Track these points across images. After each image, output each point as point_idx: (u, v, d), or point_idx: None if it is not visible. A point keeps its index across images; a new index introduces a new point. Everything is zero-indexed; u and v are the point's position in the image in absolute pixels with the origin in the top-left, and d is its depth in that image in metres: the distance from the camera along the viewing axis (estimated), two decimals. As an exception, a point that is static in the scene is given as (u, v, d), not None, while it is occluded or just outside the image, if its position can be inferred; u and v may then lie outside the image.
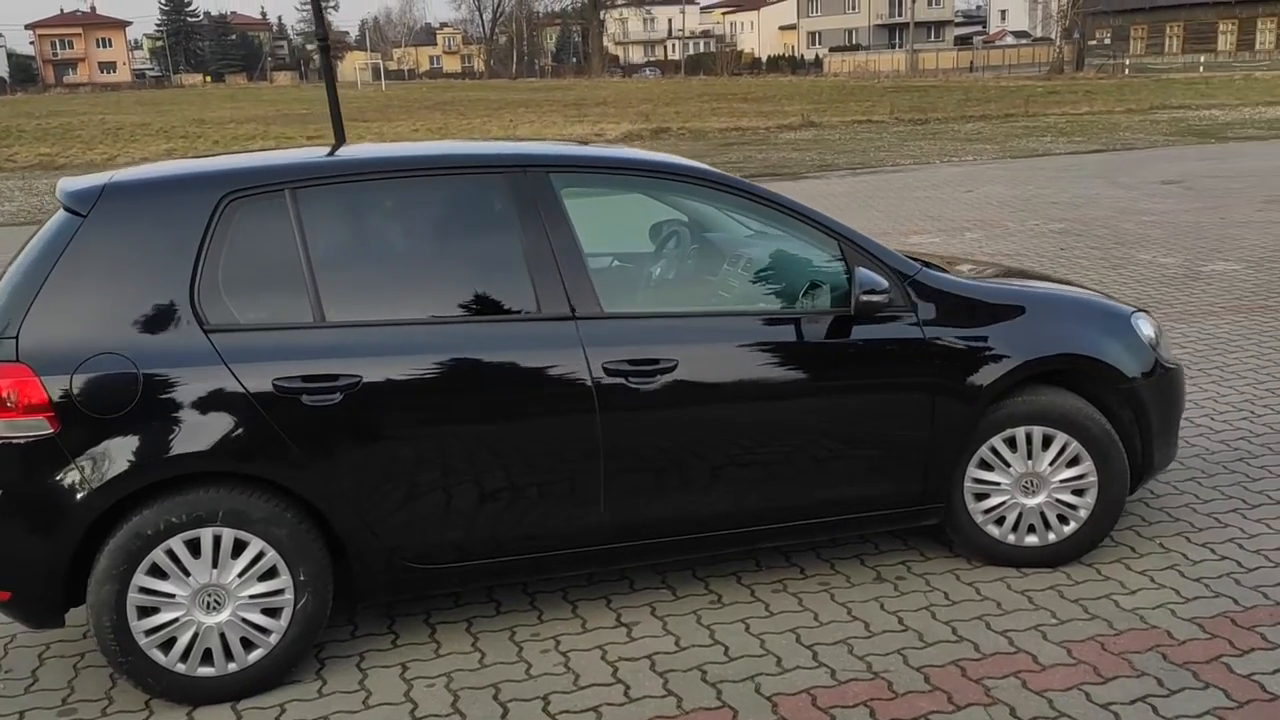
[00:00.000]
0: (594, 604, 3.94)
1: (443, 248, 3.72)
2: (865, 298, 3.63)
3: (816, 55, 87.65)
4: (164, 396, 3.22)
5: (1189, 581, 3.92)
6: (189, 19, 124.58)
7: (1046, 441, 3.95)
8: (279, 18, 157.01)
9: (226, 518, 3.27)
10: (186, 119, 40.91)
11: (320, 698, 3.42)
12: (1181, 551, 4.15)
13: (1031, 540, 4.03)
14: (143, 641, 3.27)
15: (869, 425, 3.81)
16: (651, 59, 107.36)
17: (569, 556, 3.67)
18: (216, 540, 3.28)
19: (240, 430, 3.26)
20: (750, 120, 31.60)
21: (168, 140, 30.04)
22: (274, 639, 3.39)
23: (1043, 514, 4.01)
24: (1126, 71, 58.73)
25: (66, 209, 3.39)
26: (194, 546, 3.26)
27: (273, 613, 3.38)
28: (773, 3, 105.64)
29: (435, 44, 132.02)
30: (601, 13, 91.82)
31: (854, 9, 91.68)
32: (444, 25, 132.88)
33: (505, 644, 3.70)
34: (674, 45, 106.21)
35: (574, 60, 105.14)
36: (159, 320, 3.27)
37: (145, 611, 3.26)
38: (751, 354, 3.71)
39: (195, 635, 3.31)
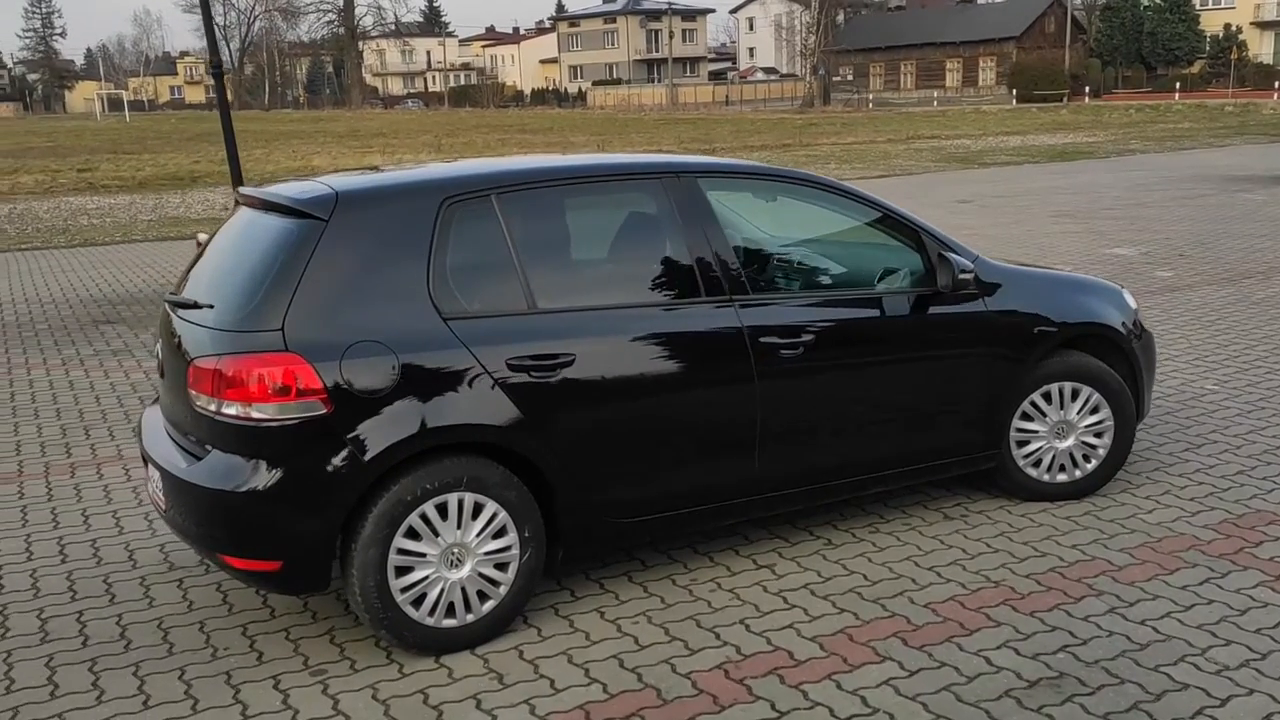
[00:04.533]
0: (726, 554, 4.51)
1: (622, 242, 4.28)
2: (962, 276, 4.40)
3: (580, 89, 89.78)
4: (418, 377, 3.60)
5: (1186, 501, 4.89)
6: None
7: (1074, 394, 4.84)
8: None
9: (470, 483, 3.67)
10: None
11: (544, 640, 3.85)
12: (1168, 481, 5.13)
13: (1062, 477, 4.90)
14: (399, 598, 3.62)
15: (953, 384, 4.57)
16: (412, 90, 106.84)
17: (734, 506, 4.23)
18: (460, 503, 3.68)
19: (482, 404, 3.68)
20: (548, 150, 32.39)
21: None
22: (503, 590, 3.80)
23: (1071, 455, 4.89)
24: (870, 106, 63.44)
25: (300, 214, 3.71)
26: (442, 510, 3.65)
27: (502, 567, 3.79)
28: (533, 37, 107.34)
29: (176, 74, 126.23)
30: (359, 43, 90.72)
31: (613, 44, 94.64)
32: (185, 54, 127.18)
33: (673, 588, 4.22)
34: (434, 77, 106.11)
35: (329, 91, 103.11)
36: (405, 310, 3.65)
37: (401, 571, 3.62)
38: (868, 326, 4.42)
39: (442, 591, 3.69)
